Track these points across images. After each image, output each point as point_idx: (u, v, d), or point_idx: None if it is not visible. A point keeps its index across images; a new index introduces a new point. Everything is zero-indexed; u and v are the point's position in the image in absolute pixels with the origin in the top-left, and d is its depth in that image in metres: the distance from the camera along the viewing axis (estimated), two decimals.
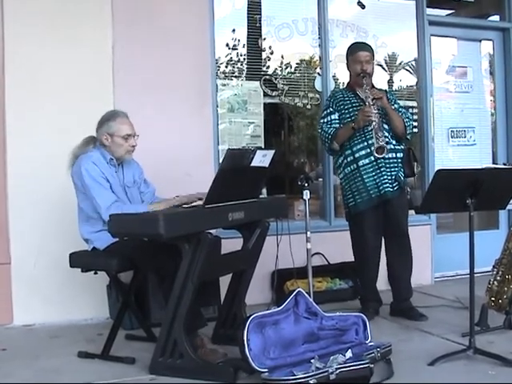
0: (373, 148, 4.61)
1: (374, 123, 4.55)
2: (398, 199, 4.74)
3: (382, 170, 4.67)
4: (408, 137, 4.88)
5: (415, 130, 4.89)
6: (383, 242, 4.86)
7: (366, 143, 4.68)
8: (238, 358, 3.54)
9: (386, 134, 4.68)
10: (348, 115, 4.76)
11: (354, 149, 4.72)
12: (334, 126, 4.76)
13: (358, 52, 4.79)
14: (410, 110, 5.21)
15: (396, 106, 4.88)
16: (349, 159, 4.75)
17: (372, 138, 4.62)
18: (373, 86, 4.79)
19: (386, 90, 5.06)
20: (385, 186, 4.67)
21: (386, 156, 4.62)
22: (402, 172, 4.78)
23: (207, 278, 3.75)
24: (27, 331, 4.76)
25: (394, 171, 4.72)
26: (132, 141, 4.07)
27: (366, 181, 4.70)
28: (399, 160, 4.77)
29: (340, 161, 4.84)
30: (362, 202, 4.72)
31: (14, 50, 4.84)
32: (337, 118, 4.79)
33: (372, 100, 4.60)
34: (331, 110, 4.82)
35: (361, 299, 5.03)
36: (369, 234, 4.75)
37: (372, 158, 4.66)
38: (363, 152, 4.69)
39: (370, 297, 4.90)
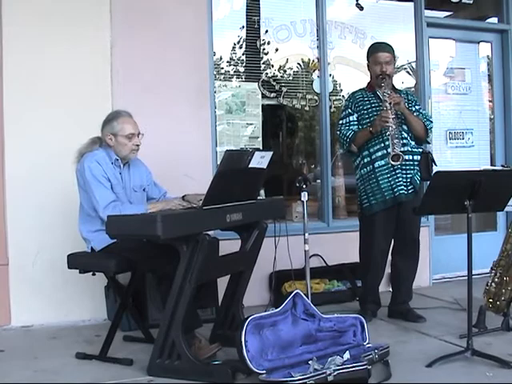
0: (389, 150, 4.59)
1: (390, 129, 4.51)
2: (412, 203, 4.64)
3: (397, 172, 4.65)
4: (428, 139, 4.87)
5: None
6: (392, 243, 4.85)
7: (383, 144, 4.65)
8: (235, 359, 3.54)
9: (405, 135, 4.66)
10: (367, 115, 4.73)
11: (371, 150, 4.70)
12: (352, 127, 4.73)
13: (377, 53, 4.74)
14: None
15: (417, 107, 4.85)
16: (366, 160, 4.73)
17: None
18: (393, 87, 4.76)
19: (406, 92, 4.99)
20: (399, 188, 4.65)
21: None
22: (419, 175, 4.76)
23: (205, 280, 3.75)
24: (25, 332, 4.76)
25: (410, 174, 4.69)
26: (136, 140, 4.06)
27: (380, 182, 4.68)
28: (416, 163, 4.72)
29: (357, 162, 4.82)
30: (377, 203, 4.70)
31: (13, 50, 4.84)
32: (355, 119, 4.76)
33: (390, 104, 4.54)
34: (350, 111, 4.79)
35: (360, 300, 5.03)
36: (379, 236, 4.73)
37: (388, 160, 4.65)
38: (380, 153, 4.67)
39: (369, 298, 4.89)
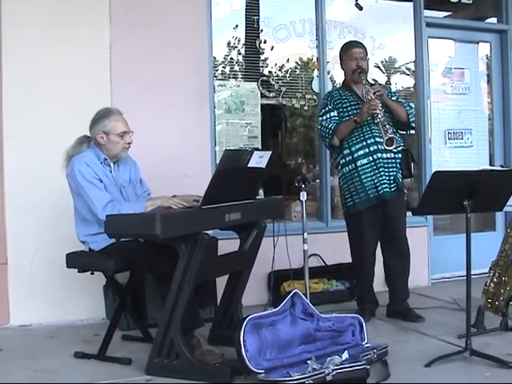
0: (372, 148, 4.63)
1: (379, 115, 4.54)
2: (395, 201, 4.72)
3: (380, 170, 4.66)
4: (412, 124, 4.89)
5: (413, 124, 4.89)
6: (380, 243, 4.86)
7: (364, 143, 4.67)
8: (234, 358, 3.53)
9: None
10: (346, 113, 4.74)
11: (353, 148, 4.70)
12: (334, 121, 4.74)
13: (352, 49, 4.80)
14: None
15: (394, 98, 4.87)
16: (347, 159, 4.74)
17: (371, 137, 4.64)
18: (369, 83, 4.77)
19: (380, 85, 5.02)
20: (383, 186, 4.66)
21: (385, 156, 4.64)
22: (401, 173, 4.77)
23: (204, 279, 3.75)
24: (24, 331, 4.76)
25: (393, 172, 4.70)
26: (127, 138, 4.04)
27: (364, 181, 4.68)
28: (398, 160, 4.74)
29: (338, 160, 4.84)
30: (360, 202, 4.71)
31: (13, 50, 4.84)
32: (336, 115, 4.75)
33: (374, 94, 4.58)
34: (329, 107, 4.79)
35: (357, 300, 5.03)
36: (366, 235, 4.74)
37: (370, 159, 4.65)
38: (361, 152, 4.68)
39: (366, 298, 4.90)
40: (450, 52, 6.77)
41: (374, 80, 4.94)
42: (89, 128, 4.07)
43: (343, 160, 4.77)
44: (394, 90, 4.97)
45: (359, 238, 4.79)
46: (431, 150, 6.39)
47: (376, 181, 4.67)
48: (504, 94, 6.81)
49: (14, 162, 4.85)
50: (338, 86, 5.88)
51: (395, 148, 4.69)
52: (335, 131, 4.71)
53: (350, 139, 4.71)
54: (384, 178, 4.66)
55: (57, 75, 4.94)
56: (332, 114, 4.77)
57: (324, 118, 4.79)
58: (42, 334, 4.65)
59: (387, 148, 4.59)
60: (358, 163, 4.69)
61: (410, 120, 4.82)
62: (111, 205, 3.79)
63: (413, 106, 4.99)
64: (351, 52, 4.78)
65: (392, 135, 4.55)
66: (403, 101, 4.97)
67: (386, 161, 4.67)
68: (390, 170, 4.70)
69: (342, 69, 4.90)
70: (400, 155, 4.77)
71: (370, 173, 4.68)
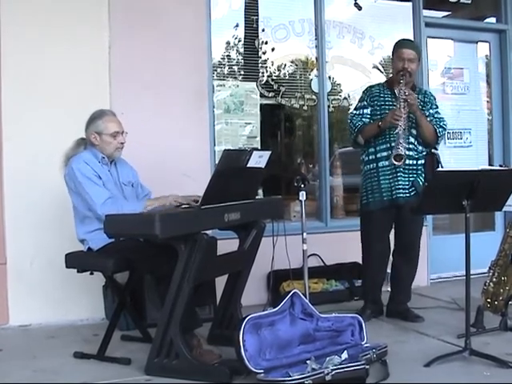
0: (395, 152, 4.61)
1: (399, 128, 4.49)
2: (412, 205, 4.63)
3: (398, 174, 4.63)
4: (437, 146, 4.83)
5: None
6: (392, 244, 4.84)
7: (388, 145, 4.64)
8: (233, 358, 3.53)
9: (413, 139, 4.64)
10: (378, 111, 4.72)
11: (378, 148, 4.70)
12: (363, 119, 4.71)
13: (402, 49, 4.70)
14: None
15: (432, 111, 4.78)
16: (370, 157, 4.74)
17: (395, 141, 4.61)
18: (413, 86, 4.74)
19: (425, 92, 4.96)
20: (398, 191, 4.63)
21: (407, 162, 4.57)
22: (423, 177, 4.72)
23: (203, 279, 3.75)
24: (23, 331, 4.76)
25: (412, 177, 4.67)
26: (120, 138, 4.08)
27: (381, 182, 4.67)
28: (419, 167, 4.70)
29: (363, 157, 4.83)
30: (374, 202, 4.71)
31: (12, 50, 4.84)
32: (369, 112, 4.73)
33: (404, 102, 4.51)
34: (365, 103, 4.77)
35: (361, 299, 5.03)
36: (376, 236, 4.73)
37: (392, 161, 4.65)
38: (385, 153, 4.66)
39: (369, 297, 4.89)
40: (449, 52, 6.78)
41: (420, 89, 4.80)
42: (84, 130, 4.11)
43: (367, 158, 4.78)
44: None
45: (367, 238, 4.80)
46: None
47: (392, 185, 4.65)
48: (503, 94, 6.81)
49: (13, 162, 4.85)
50: (338, 88, 5.91)
51: (422, 153, 4.67)
52: (361, 131, 4.70)
53: (377, 139, 4.69)
54: (401, 183, 4.64)
55: (56, 75, 4.94)
56: (365, 110, 4.75)
57: (356, 112, 4.79)
58: (41, 334, 4.65)
59: (394, 163, 4.54)
60: (380, 164, 4.69)
61: (438, 141, 4.79)
62: (110, 201, 3.81)
63: (446, 126, 4.83)
64: (400, 52, 4.69)
65: (401, 152, 4.48)
66: (438, 117, 4.79)
67: (406, 166, 4.62)
68: (410, 175, 4.67)
69: (392, 66, 4.86)
70: (423, 161, 4.72)
71: (388, 176, 4.66)
